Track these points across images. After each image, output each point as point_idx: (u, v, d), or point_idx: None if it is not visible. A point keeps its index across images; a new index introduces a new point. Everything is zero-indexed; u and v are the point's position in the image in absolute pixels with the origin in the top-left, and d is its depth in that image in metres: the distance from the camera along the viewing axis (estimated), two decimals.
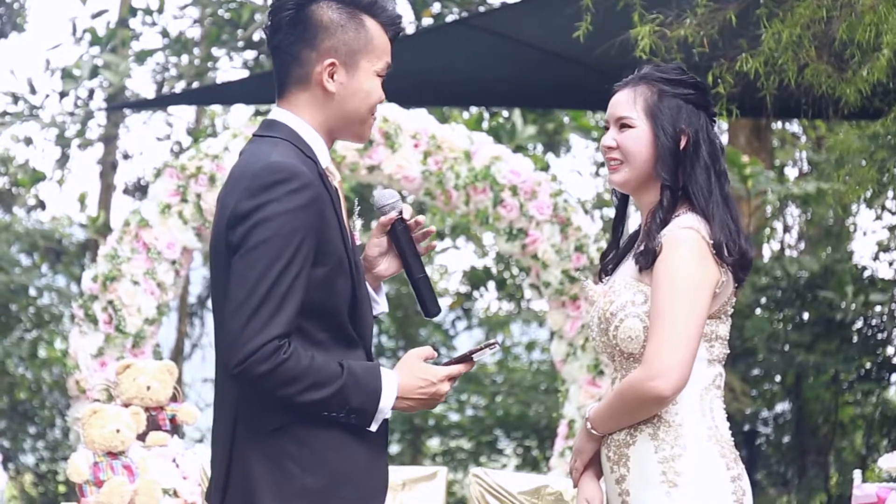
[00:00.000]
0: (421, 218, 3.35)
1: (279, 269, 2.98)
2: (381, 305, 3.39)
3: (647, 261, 3.35)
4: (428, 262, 14.89)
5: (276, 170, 3.03)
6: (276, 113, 3.22)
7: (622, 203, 3.57)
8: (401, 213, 3.34)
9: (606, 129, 3.51)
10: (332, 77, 3.15)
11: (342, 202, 3.24)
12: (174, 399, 6.00)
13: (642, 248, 3.38)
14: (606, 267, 3.54)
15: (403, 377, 3.14)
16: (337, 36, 3.14)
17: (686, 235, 3.33)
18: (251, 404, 3.09)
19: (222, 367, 3.07)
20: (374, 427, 3.10)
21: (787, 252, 14.14)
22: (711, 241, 3.33)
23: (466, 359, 3.21)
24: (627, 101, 3.46)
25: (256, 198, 3.00)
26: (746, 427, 12.67)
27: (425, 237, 3.38)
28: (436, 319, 15.66)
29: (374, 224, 3.49)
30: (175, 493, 5.72)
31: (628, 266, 3.44)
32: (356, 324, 3.16)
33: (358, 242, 3.37)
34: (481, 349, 3.20)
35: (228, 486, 3.13)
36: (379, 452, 3.17)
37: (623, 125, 3.45)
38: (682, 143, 3.42)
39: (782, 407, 13.17)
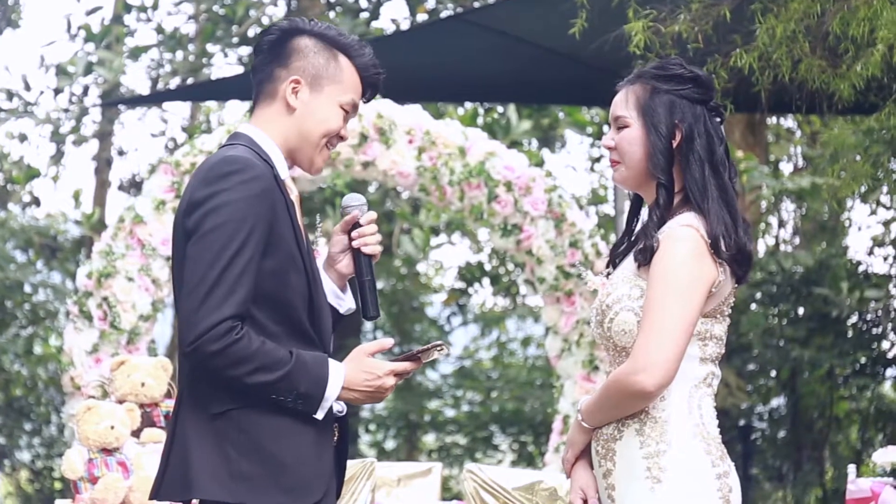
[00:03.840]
0: (372, 215, 3.48)
1: (232, 252, 3.13)
2: (346, 302, 3.51)
3: (646, 258, 3.35)
4: (423, 258, 14.90)
5: (230, 161, 3.21)
6: (241, 127, 3.41)
7: (637, 197, 3.57)
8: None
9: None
10: (295, 94, 3.35)
11: (299, 215, 3.37)
12: (169, 395, 6.00)
13: (641, 245, 3.39)
14: (615, 259, 3.54)
15: (349, 369, 3.27)
16: (308, 59, 3.37)
17: (684, 233, 3.33)
18: (197, 386, 3.22)
19: (180, 347, 3.19)
20: (319, 415, 3.22)
21: (782, 247, 14.15)
22: (709, 240, 3.33)
23: (413, 357, 3.32)
24: (622, 101, 3.48)
25: (211, 186, 3.18)
26: (742, 422, 12.68)
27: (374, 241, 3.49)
28: (431, 315, 15.69)
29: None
30: None
31: (629, 261, 3.45)
32: (314, 324, 3.29)
33: (318, 257, 3.49)
34: (428, 349, 3.31)
35: (168, 464, 3.28)
36: (324, 446, 3.28)
37: (619, 125, 3.47)
38: (677, 140, 3.42)
39: (777, 402, 13.18)
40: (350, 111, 3.39)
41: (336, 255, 3.49)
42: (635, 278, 3.38)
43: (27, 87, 13.17)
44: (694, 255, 3.31)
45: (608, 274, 3.51)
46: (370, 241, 3.45)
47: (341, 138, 3.41)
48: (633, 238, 3.51)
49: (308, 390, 3.18)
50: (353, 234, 3.46)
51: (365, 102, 3.48)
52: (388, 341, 3.39)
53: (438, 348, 3.31)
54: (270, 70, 3.37)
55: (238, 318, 3.13)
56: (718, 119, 3.50)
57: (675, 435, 3.33)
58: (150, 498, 3.37)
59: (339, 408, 3.31)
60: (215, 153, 3.31)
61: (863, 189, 10.43)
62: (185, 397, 3.27)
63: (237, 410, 3.19)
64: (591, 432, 3.45)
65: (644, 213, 3.51)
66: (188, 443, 3.21)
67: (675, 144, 3.42)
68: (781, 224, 14.38)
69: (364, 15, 13.20)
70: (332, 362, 3.24)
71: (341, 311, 3.50)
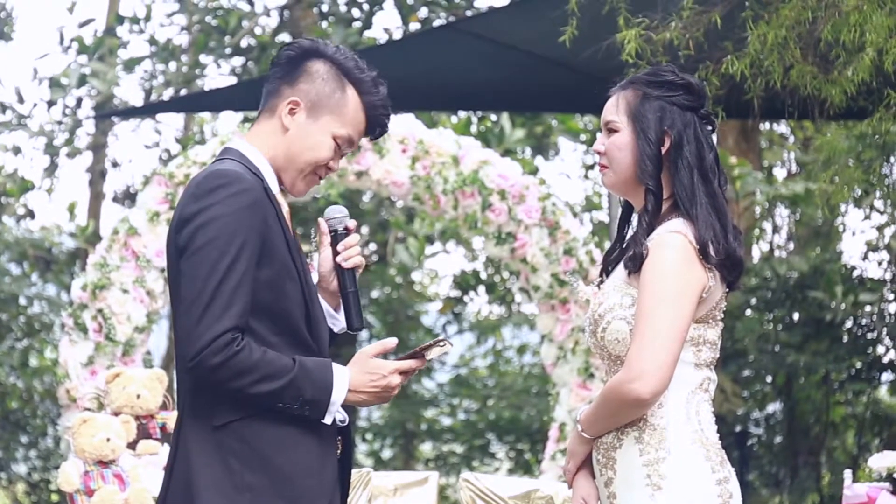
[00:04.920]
0: (351, 223, 3.48)
1: (226, 265, 3.13)
2: (340, 321, 3.50)
3: (636, 265, 3.36)
4: (418, 267, 14.90)
5: (219, 175, 3.22)
6: (231, 142, 3.41)
7: (628, 203, 3.58)
8: (346, 227, 3.47)
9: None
10: (291, 115, 3.34)
11: (290, 228, 3.36)
12: (164, 407, 6.00)
13: (630, 252, 3.39)
14: (607, 267, 3.54)
15: (354, 372, 3.27)
16: (315, 84, 3.35)
17: (672, 240, 3.33)
18: (198, 400, 3.22)
19: (179, 362, 3.19)
20: (328, 419, 3.23)
21: (777, 253, 14.16)
22: (697, 245, 3.33)
23: (417, 355, 3.32)
24: (613, 106, 3.48)
25: (200, 202, 3.19)
26: (738, 428, 12.67)
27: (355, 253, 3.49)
28: (427, 323, 15.66)
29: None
30: None
31: (620, 269, 3.45)
32: (312, 332, 3.29)
33: (312, 271, 3.49)
34: (430, 346, 3.31)
35: (171, 478, 3.26)
36: (328, 456, 3.28)
37: (610, 130, 3.47)
38: (666, 146, 3.42)
39: (773, 407, 13.17)
40: (343, 145, 3.37)
41: (327, 275, 3.48)
42: (626, 286, 3.39)
43: (20, 100, 13.16)
44: (683, 261, 3.31)
45: (600, 283, 3.51)
46: (352, 254, 3.45)
47: (329, 170, 3.39)
48: (624, 245, 3.52)
49: (314, 396, 3.18)
50: (339, 247, 3.46)
51: (371, 140, 3.48)
52: (392, 341, 3.38)
53: (440, 343, 3.30)
54: (278, 85, 3.37)
55: (237, 329, 3.12)
56: (709, 127, 3.51)
57: (674, 442, 3.33)
58: None
59: (342, 417, 3.30)
60: (205, 169, 3.30)
61: (856, 194, 10.45)
62: (187, 411, 3.26)
63: (239, 422, 3.18)
64: (591, 442, 3.45)
65: (635, 220, 3.51)
66: (191, 456, 3.20)
67: (664, 150, 3.42)
68: (775, 229, 14.39)
69: (356, 24, 13.21)
70: (335, 366, 3.24)
71: (335, 329, 3.49)
